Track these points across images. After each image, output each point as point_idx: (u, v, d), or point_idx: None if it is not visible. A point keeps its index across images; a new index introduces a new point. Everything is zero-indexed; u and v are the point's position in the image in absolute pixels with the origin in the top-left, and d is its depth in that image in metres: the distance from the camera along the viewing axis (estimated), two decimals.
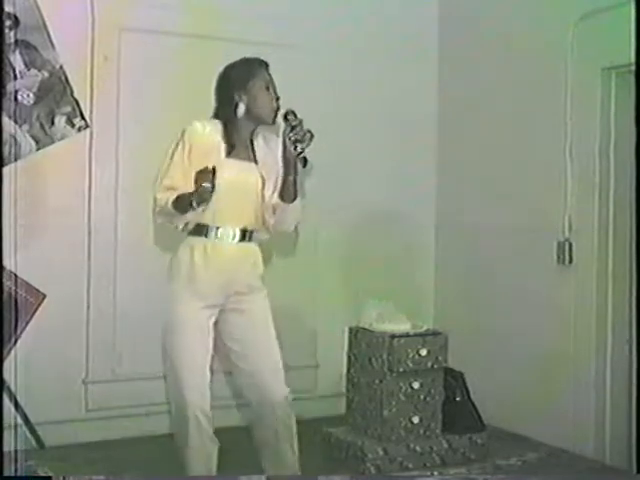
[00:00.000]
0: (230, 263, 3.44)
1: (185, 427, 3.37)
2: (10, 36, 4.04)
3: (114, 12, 4.40)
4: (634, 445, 3.77)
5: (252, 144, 3.49)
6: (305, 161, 3.30)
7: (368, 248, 5.10)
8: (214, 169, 3.19)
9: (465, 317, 4.96)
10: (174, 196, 3.30)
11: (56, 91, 4.33)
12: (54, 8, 4.25)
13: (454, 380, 4.49)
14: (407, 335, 4.33)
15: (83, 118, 4.39)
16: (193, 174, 3.23)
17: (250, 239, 3.49)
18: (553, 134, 4.51)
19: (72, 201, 4.40)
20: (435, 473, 4.19)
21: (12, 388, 4.09)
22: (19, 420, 4.17)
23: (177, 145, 3.38)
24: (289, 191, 3.41)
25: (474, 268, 5.00)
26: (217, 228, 3.40)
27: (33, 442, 4.23)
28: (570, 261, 4.48)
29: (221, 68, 3.47)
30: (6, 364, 4.20)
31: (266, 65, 3.48)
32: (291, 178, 3.38)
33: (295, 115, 3.33)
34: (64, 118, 4.36)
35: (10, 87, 3.97)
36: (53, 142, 4.35)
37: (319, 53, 4.89)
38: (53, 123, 4.34)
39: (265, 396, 3.46)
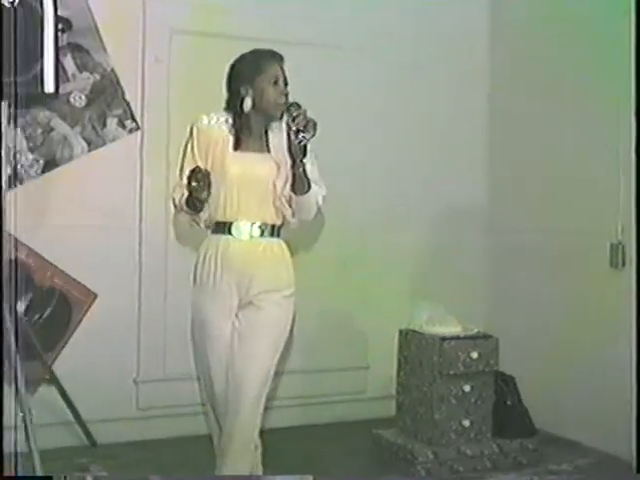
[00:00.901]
0: (247, 260, 3.35)
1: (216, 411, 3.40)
2: (62, 39, 4.07)
3: (165, 14, 4.42)
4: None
5: (267, 135, 3.43)
6: (305, 150, 3.25)
7: (419, 250, 5.08)
8: (201, 170, 3.17)
9: (516, 320, 4.89)
10: (186, 195, 3.28)
11: (108, 93, 4.37)
12: (106, 11, 4.29)
13: (505, 384, 4.44)
14: (458, 338, 4.29)
15: (134, 120, 4.43)
16: (205, 167, 3.24)
17: (272, 234, 3.40)
18: (605, 136, 4.44)
19: (123, 202, 4.44)
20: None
21: (64, 386, 4.14)
22: (71, 418, 4.22)
23: (187, 142, 3.38)
24: (299, 183, 3.32)
25: (526, 271, 4.94)
26: (231, 224, 3.34)
27: (85, 440, 4.27)
28: (623, 264, 4.40)
29: (231, 60, 3.44)
30: (58, 362, 4.31)
31: (279, 58, 3.41)
32: (300, 170, 3.30)
33: (298, 106, 3.27)
34: (115, 120, 4.40)
35: (63, 90, 4.00)
36: (105, 144, 4.39)
37: (366, 55, 4.85)
38: (105, 125, 4.38)
39: (235, 399, 3.35)
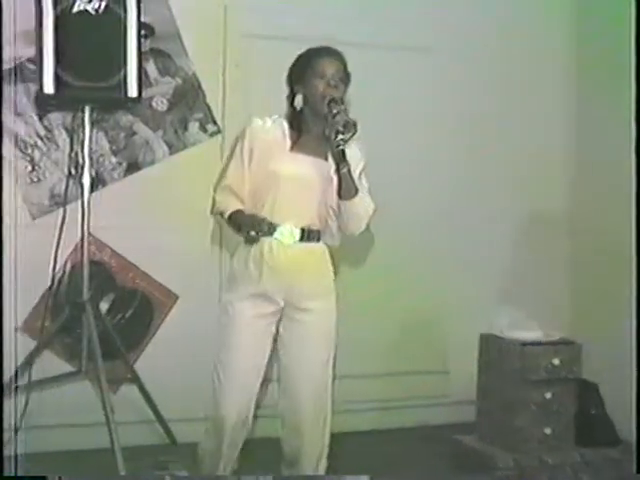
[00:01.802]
0: (288, 265, 3.26)
1: (218, 438, 3.33)
2: (145, 45, 4.14)
3: (244, 19, 4.45)
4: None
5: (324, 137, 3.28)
6: (343, 154, 3.14)
7: (500, 253, 5.00)
8: (266, 220, 3.12)
9: (600, 326, 4.76)
10: (230, 210, 3.22)
11: (189, 97, 4.43)
12: (187, 16, 4.35)
13: (588, 392, 4.34)
14: (539, 343, 4.22)
15: (215, 123, 4.47)
16: (252, 174, 3.21)
17: (315, 239, 3.31)
18: None
19: (204, 204, 4.47)
20: None
21: (145, 385, 4.20)
22: (152, 417, 4.29)
23: (236, 143, 3.31)
24: (345, 186, 3.20)
25: (609, 275, 4.80)
26: (275, 227, 3.24)
27: (165, 438, 4.32)
28: None
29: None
30: (140, 362, 4.39)
31: (331, 54, 3.29)
32: (345, 171, 3.19)
33: (340, 102, 3.17)
34: (197, 124, 4.46)
35: (145, 94, 4.08)
36: (186, 147, 4.44)
37: (449, 56, 4.81)
38: (186, 129, 4.44)
39: (295, 418, 3.36)
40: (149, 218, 4.32)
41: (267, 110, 4.41)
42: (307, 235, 3.29)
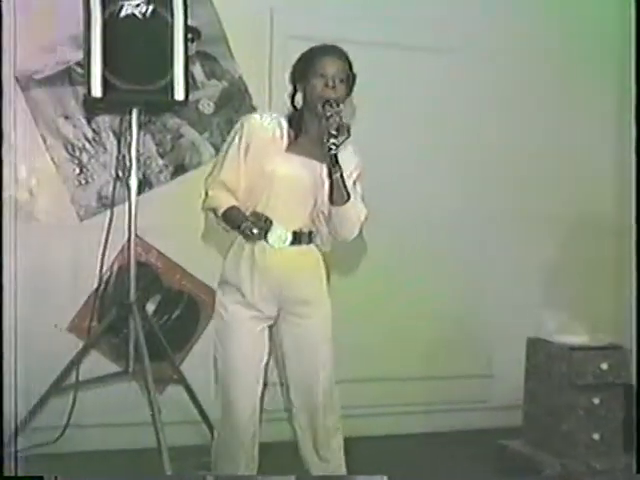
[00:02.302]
0: (281, 268, 3.18)
1: (230, 444, 3.29)
2: (192, 48, 4.17)
3: (290, 22, 4.45)
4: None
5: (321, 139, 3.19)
6: (335, 158, 3.03)
7: (547, 255, 4.95)
8: (268, 218, 3.05)
9: None
10: (225, 207, 3.14)
11: (235, 100, 4.45)
12: (234, 20, 4.36)
13: (637, 398, 4.27)
14: (587, 348, 4.16)
15: None
16: (247, 170, 3.12)
17: (307, 242, 3.23)
18: None
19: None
20: None
21: (191, 385, 4.21)
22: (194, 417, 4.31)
23: (233, 138, 3.21)
24: (336, 191, 3.10)
25: None
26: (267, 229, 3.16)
27: (210, 438, 4.33)
28: None
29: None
30: (186, 363, 4.41)
31: (334, 52, 3.19)
32: (336, 176, 3.08)
33: (335, 104, 3.07)
34: None
35: (192, 97, 4.10)
36: None
37: (490, 58, 4.79)
38: None
39: (310, 419, 3.31)
40: (195, 220, 4.33)
41: None
42: (299, 238, 3.21)
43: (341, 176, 3.09)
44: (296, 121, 3.21)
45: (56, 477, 3.70)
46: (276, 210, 3.15)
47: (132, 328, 3.98)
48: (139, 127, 4.01)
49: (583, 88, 4.96)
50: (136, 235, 4.02)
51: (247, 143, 3.17)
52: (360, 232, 3.27)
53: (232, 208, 3.15)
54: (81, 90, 4.07)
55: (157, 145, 4.36)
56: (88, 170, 4.30)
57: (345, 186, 3.11)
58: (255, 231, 3.04)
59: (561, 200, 4.95)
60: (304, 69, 3.19)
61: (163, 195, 4.37)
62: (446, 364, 4.81)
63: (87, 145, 4.29)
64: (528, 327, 4.43)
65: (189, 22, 3.92)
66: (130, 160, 4.00)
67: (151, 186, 4.36)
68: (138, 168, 4.06)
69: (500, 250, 4.87)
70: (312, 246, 3.27)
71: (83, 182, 4.30)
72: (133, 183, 4.00)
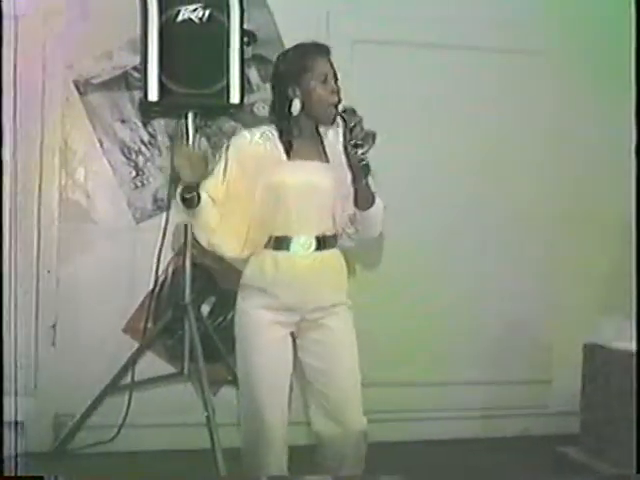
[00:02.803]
0: (305, 274, 3.08)
1: (261, 448, 3.14)
2: (248, 52, 4.18)
3: (346, 24, 4.45)
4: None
5: (321, 140, 3.13)
6: (367, 169, 2.95)
7: (609, 260, 4.86)
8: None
9: None
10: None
11: None
12: (289, 23, 4.37)
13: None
14: None
15: None
16: (250, 188, 3.03)
17: (331, 246, 3.12)
18: None
19: None
20: None
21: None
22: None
23: (220, 160, 3.10)
24: (363, 197, 3.03)
25: None
26: (290, 239, 3.06)
27: None
28: None
29: (276, 56, 3.18)
30: None
31: (325, 51, 3.10)
32: (363, 183, 3.00)
33: (354, 112, 2.95)
34: None
35: (247, 100, 4.12)
36: None
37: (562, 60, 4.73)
38: None
39: (337, 423, 3.15)
40: None
41: (369, 115, 4.48)
42: (323, 243, 3.11)
43: (367, 182, 3.02)
44: (289, 128, 3.09)
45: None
46: (298, 219, 3.07)
47: (187, 329, 4.02)
48: (195, 130, 4.04)
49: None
50: (192, 237, 4.04)
51: (239, 163, 3.07)
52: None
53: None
54: (137, 94, 4.13)
55: (213, 148, 4.36)
56: (144, 173, 4.35)
57: (370, 189, 3.04)
58: (187, 195, 2.93)
59: (623, 202, 4.83)
60: (298, 72, 3.05)
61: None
62: (505, 369, 4.76)
63: (143, 148, 4.34)
64: (588, 332, 4.36)
65: (245, 25, 3.94)
66: None
67: None
68: None
69: (557, 254, 4.80)
70: (335, 249, 3.17)
71: (139, 185, 4.35)
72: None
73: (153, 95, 3.81)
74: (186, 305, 4.02)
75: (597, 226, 4.82)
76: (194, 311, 4.02)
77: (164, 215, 4.15)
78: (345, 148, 2.98)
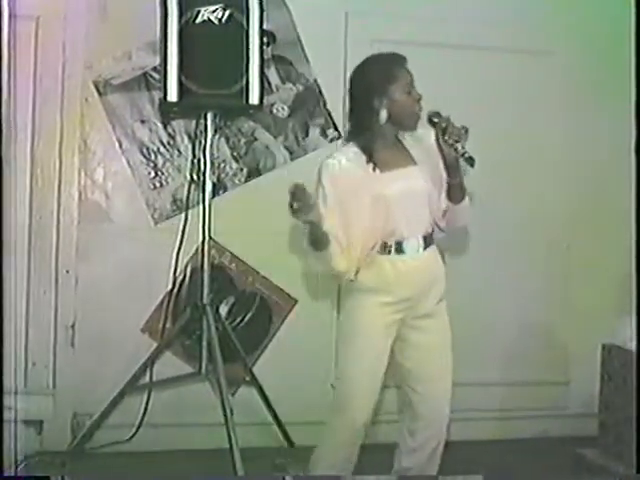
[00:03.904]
0: (421, 275, 3.24)
1: (344, 439, 3.31)
2: (267, 52, 4.19)
3: (366, 24, 4.44)
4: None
5: (402, 145, 3.25)
6: (472, 161, 3.08)
7: (625, 261, 4.83)
8: (302, 186, 2.96)
9: None
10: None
11: (310, 103, 4.46)
12: (309, 23, 4.37)
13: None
14: None
15: (336, 129, 4.48)
16: (356, 213, 3.11)
17: (432, 242, 3.28)
18: None
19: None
20: None
21: (263, 388, 4.22)
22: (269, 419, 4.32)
23: (319, 191, 3.16)
24: (458, 192, 3.21)
25: None
26: (400, 243, 3.20)
27: (283, 441, 4.33)
28: None
29: (354, 68, 3.26)
30: (259, 365, 4.43)
31: (404, 61, 3.21)
32: (456, 182, 3.18)
33: (440, 115, 3.09)
34: (317, 129, 4.48)
35: (266, 101, 4.12)
36: (306, 153, 4.47)
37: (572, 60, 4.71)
38: (307, 134, 4.47)
39: (432, 421, 3.32)
40: (269, 223, 4.37)
41: None
42: (428, 240, 3.26)
43: (460, 181, 3.19)
44: (371, 140, 3.18)
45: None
46: (407, 224, 3.19)
47: (205, 330, 4.01)
48: (214, 131, 4.05)
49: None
50: (210, 238, 4.05)
51: (337, 193, 3.13)
52: None
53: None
54: (157, 95, 4.14)
55: (231, 149, 4.39)
56: (163, 173, 4.35)
57: (463, 187, 3.21)
58: (297, 204, 2.97)
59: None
60: (383, 82, 3.14)
61: (237, 198, 4.40)
62: (522, 370, 4.74)
63: (162, 149, 4.34)
64: (606, 333, 4.35)
65: (264, 26, 3.94)
66: (205, 163, 4.03)
67: (225, 189, 4.40)
68: (212, 171, 4.10)
69: (579, 254, 4.78)
70: (435, 246, 3.32)
71: (158, 185, 4.36)
72: (207, 186, 4.03)
73: (172, 96, 3.81)
74: (204, 305, 4.01)
75: (613, 226, 4.75)
76: (212, 311, 4.01)
77: (183, 215, 4.16)
78: (440, 147, 3.12)
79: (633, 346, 4.14)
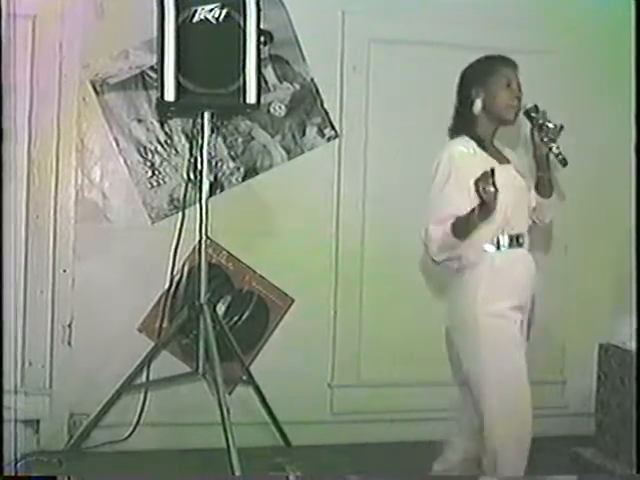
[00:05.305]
0: (529, 271, 3.30)
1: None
2: (264, 51, 4.18)
3: (363, 24, 4.45)
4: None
5: (493, 143, 3.36)
6: (565, 162, 3.16)
7: (623, 259, 4.81)
8: (493, 170, 2.96)
9: None
10: (449, 223, 3.12)
11: (307, 102, 4.45)
12: (306, 22, 4.37)
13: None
14: None
15: (333, 128, 4.48)
16: (467, 198, 3.07)
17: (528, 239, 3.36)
18: None
19: (321, 208, 4.51)
20: None
21: (260, 387, 4.24)
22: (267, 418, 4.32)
23: (443, 174, 3.19)
24: (545, 187, 3.33)
25: None
26: (512, 237, 3.24)
27: (279, 440, 4.34)
28: None
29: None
30: (255, 365, 4.42)
31: (512, 63, 3.31)
32: (546, 176, 3.29)
33: (537, 109, 3.18)
34: (315, 128, 4.47)
35: (263, 100, 4.11)
36: (303, 152, 4.47)
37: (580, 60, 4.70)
38: (304, 133, 4.46)
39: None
40: (266, 222, 4.37)
41: (385, 114, 4.48)
42: (528, 237, 3.34)
43: (549, 176, 3.31)
44: (476, 133, 3.27)
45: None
46: (516, 219, 3.25)
47: (202, 329, 4.01)
48: (211, 130, 4.05)
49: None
50: (207, 237, 4.05)
51: (458, 175, 3.16)
52: None
53: (456, 220, 3.12)
54: (154, 94, 4.12)
55: (229, 148, 4.39)
56: (160, 173, 4.35)
57: (552, 182, 3.33)
58: (489, 188, 2.97)
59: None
60: (483, 75, 3.27)
61: (234, 197, 4.40)
62: None
63: (159, 148, 4.34)
64: (603, 332, 4.35)
65: (261, 25, 3.93)
66: (202, 163, 4.03)
67: (222, 188, 4.39)
68: (209, 171, 4.10)
69: (576, 252, 4.78)
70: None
71: (155, 184, 4.35)
72: (204, 185, 4.03)
73: (169, 95, 3.80)
74: (202, 305, 4.00)
75: (613, 226, 4.76)
76: (209, 311, 4.00)
77: (180, 214, 4.16)
78: (533, 141, 3.23)
79: (631, 346, 4.15)
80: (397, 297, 4.56)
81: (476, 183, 2.97)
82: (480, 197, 2.98)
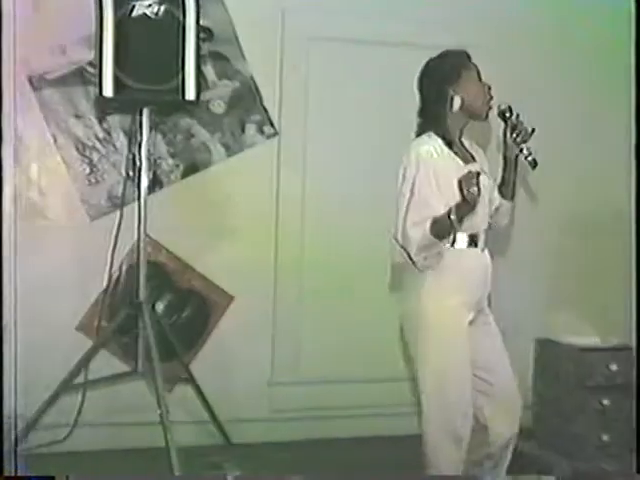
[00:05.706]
0: (487, 270, 3.30)
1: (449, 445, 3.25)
2: (204, 48, 4.16)
3: (302, 22, 4.45)
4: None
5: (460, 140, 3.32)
6: (535, 163, 3.19)
7: (557, 255, 4.89)
8: (478, 173, 2.98)
9: None
10: (428, 223, 3.08)
11: (246, 100, 4.44)
12: (245, 20, 4.35)
13: (637, 398, 4.25)
14: (597, 349, 4.17)
15: (272, 126, 4.48)
16: (441, 199, 3.08)
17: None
18: None
19: (260, 205, 4.50)
20: None
21: (200, 385, 4.24)
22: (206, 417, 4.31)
23: (417, 179, 3.14)
24: (508, 189, 3.33)
25: None
26: (474, 236, 3.24)
27: (220, 438, 4.33)
28: None
29: (423, 63, 3.28)
30: (196, 364, 4.40)
31: (470, 57, 3.27)
32: (512, 178, 3.30)
33: (512, 111, 3.20)
34: (254, 126, 4.46)
35: (203, 97, 4.09)
36: (243, 150, 4.45)
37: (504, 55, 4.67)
38: (243, 131, 4.45)
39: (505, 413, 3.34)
40: (205, 219, 4.36)
41: (324, 112, 4.50)
42: (485, 238, 3.32)
43: (514, 179, 3.31)
44: (446, 130, 3.22)
45: (67, 477, 3.68)
46: (482, 217, 3.25)
47: (141, 327, 3.99)
48: (150, 127, 4.01)
49: (583, 88, 4.89)
50: (146, 234, 4.03)
51: (436, 179, 3.14)
52: None
53: (434, 220, 3.09)
54: (92, 90, 4.07)
55: (168, 145, 4.35)
56: (98, 170, 4.30)
57: (514, 185, 3.34)
58: (473, 189, 2.96)
59: (571, 199, 4.89)
60: (456, 71, 3.20)
61: (173, 195, 4.36)
62: None
63: (98, 145, 4.28)
64: (538, 326, 4.42)
65: (201, 22, 3.92)
66: (140, 160, 4.00)
67: (161, 186, 4.36)
68: (148, 168, 4.06)
69: (506, 248, 4.77)
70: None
71: (93, 181, 4.29)
72: (143, 183, 4.01)
73: (108, 91, 3.76)
74: (140, 303, 3.98)
75: (546, 220, 4.83)
76: (148, 309, 3.98)
77: (118, 212, 4.12)
78: (505, 142, 3.25)
79: (566, 340, 4.23)
80: (337, 295, 4.57)
81: (460, 183, 2.97)
82: (463, 197, 2.97)
